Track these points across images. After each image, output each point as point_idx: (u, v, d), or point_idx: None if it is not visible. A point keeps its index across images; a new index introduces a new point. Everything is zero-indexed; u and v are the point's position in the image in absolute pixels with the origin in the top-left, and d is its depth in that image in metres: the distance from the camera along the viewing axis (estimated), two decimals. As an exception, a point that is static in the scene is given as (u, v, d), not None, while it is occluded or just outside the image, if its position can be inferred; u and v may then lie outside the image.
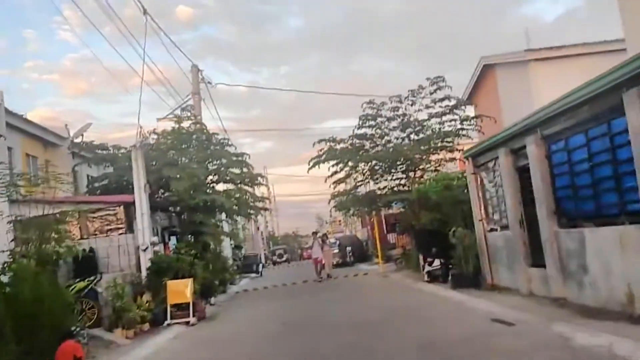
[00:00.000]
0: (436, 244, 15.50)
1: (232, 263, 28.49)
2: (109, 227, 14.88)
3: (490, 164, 12.34)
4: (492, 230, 12.69)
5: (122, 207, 14.97)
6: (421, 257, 16.23)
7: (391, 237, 29.30)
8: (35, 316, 8.38)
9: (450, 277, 13.72)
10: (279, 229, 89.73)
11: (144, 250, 14.40)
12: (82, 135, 19.41)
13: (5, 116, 15.33)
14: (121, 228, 14.91)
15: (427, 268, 15.66)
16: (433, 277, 15.50)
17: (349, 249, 31.22)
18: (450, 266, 14.15)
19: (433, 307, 11.59)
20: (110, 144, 18.63)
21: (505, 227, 11.94)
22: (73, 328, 9.26)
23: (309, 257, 22.29)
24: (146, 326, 13.18)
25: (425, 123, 19.10)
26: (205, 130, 20.18)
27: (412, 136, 19.50)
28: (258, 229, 51.06)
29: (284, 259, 55.33)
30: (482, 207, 12.98)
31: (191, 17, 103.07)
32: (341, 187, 21.97)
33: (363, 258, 32.08)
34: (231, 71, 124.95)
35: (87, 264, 14.05)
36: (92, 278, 12.08)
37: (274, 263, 52.94)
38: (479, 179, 13.07)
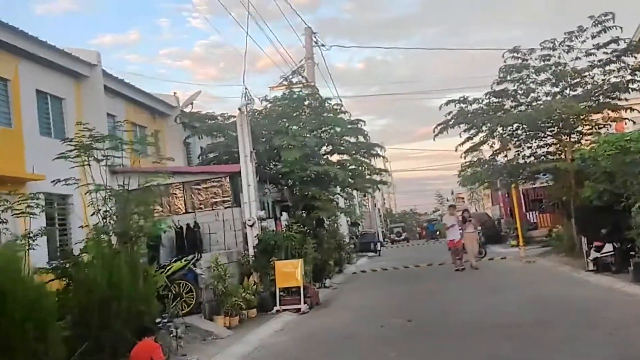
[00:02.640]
0: (607, 223, 12.12)
1: (348, 241, 26.61)
2: (214, 200, 13.46)
3: None
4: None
5: (227, 178, 13.44)
6: (584, 241, 12.88)
7: (531, 216, 25.46)
8: (108, 304, 6.86)
9: (631, 267, 10.39)
10: (396, 207, 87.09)
11: (251, 225, 12.77)
12: (192, 104, 18.37)
13: (106, 80, 14.50)
14: (227, 201, 13.42)
15: (594, 254, 12.33)
16: (602, 266, 12.17)
17: (479, 228, 27.73)
18: (631, 253, 10.79)
19: (612, 306, 8.57)
20: (218, 114, 17.34)
21: None
22: (158, 320, 7.68)
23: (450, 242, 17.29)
24: (253, 312, 11.58)
25: (585, 74, 15.28)
26: (317, 96, 18.16)
27: (566, 91, 15.80)
28: (375, 205, 48.88)
29: (402, 237, 53.10)
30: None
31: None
32: (473, 156, 18.84)
33: (495, 239, 28.44)
34: (349, 49, 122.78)
35: (191, 241, 12.79)
36: (189, 257, 10.58)
37: (392, 242, 50.81)
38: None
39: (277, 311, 11.85)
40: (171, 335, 7.94)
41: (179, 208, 13.51)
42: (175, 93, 18.28)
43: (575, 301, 9.45)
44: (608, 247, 11.91)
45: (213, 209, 13.35)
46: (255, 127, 17.35)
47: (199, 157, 18.57)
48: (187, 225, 12.95)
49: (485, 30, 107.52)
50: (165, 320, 7.93)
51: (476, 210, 49.07)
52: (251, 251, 12.71)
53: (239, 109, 12.98)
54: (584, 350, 6.29)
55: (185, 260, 10.52)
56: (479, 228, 28.32)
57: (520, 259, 18.52)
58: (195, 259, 10.65)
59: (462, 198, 68.80)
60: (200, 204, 13.49)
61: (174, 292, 9.81)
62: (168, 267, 10.21)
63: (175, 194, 13.53)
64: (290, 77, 17.40)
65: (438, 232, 50.42)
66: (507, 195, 28.09)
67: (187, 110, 18.17)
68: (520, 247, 20.24)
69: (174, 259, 10.78)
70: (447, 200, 78.73)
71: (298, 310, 11.83)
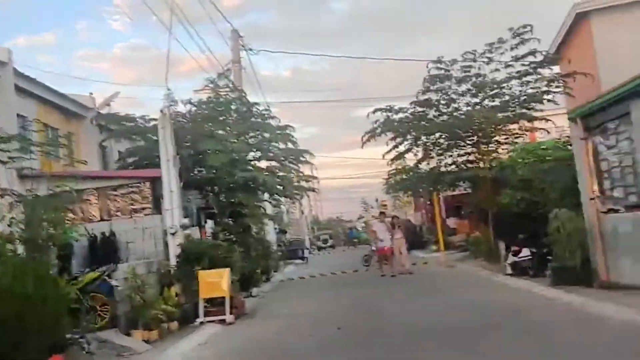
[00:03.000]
0: (524, 230, 12.65)
1: (276, 249, 26.29)
2: (133, 207, 12.73)
3: (613, 125, 9.39)
4: (610, 211, 9.76)
5: (148, 183, 12.76)
6: (502, 246, 13.37)
7: (450, 222, 26.32)
8: (18, 319, 6.18)
9: (549, 271, 10.86)
10: (323, 214, 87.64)
11: (173, 234, 12.16)
12: (109, 105, 17.37)
13: (17, 79, 13.41)
14: (147, 208, 12.73)
15: (512, 259, 12.83)
16: (519, 270, 12.67)
17: (401, 235, 28.42)
18: (547, 257, 11.27)
19: (539, 310, 8.84)
20: (138, 116, 16.47)
21: (634, 207, 9.02)
22: (69, 336, 7.04)
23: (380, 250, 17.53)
24: (174, 325, 10.98)
25: (503, 85, 15.96)
26: (245, 99, 17.76)
27: (486, 102, 16.43)
28: (302, 212, 48.87)
29: (329, 244, 53.47)
30: (596, 182, 10.04)
31: (238, 5, 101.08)
32: (398, 164, 19.19)
33: (418, 245, 29.20)
34: (275, 56, 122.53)
35: (106, 250, 12.00)
36: (104, 268, 9.87)
37: (319, 248, 51.01)
38: (590, 146, 10.12)
39: (201, 323, 11.33)
40: (84, 351, 7.32)
41: (94, 215, 12.66)
42: (91, 94, 17.25)
43: (502, 305, 9.64)
44: (525, 252, 12.42)
45: (131, 217, 12.62)
46: (179, 131, 16.61)
47: (116, 162, 17.62)
48: (103, 233, 12.14)
49: (410, 46, 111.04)
50: (78, 336, 7.29)
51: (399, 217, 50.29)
52: (173, 261, 12.10)
53: (161, 110, 12.38)
54: (524, 356, 6.22)
55: (99, 271, 9.78)
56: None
57: (441, 264, 19.06)
58: (110, 269, 9.94)
59: (386, 205, 70.41)
60: (117, 211, 12.71)
61: (87, 305, 9.08)
62: (80, 279, 9.45)
63: (90, 200, 12.67)
64: (216, 80, 16.86)
65: (356, 239, 51.29)
66: (428, 202, 28.98)
67: (104, 111, 17.17)
68: (441, 252, 20.88)
69: (87, 270, 10.00)
70: (372, 208, 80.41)
71: (223, 321, 11.37)
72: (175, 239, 12.21)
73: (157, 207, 12.73)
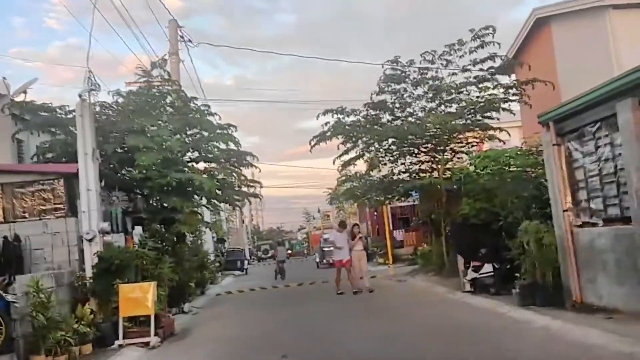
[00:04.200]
0: (485, 243, 11.70)
1: (214, 259, 24.48)
2: (43, 208, 10.79)
3: (590, 129, 8.54)
4: (584, 224, 8.90)
5: (61, 180, 10.86)
6: (460, 260, 12.38)
7: (398, 235, 25.46)
8: None
9: (516, 289, 9.88)
10: (263, 224, 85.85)
11: (90, 240, 10.34)
12: (25, 92, 15.20)
13: None
14: (60, 209, 10.82)
15: (472, 274, 11.84)
16: (480, 287, 11.70)
17: (348, 246, 27.24)
18: (513, 274, 10.32)
19: (512, 335, 7.75)
20: (57, 105, 14.36)
21: (614, 220, 8.17)
22: None
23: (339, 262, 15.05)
24: (87, 348, 9.25)
25: (461, 90, 15.11)
26: (181, 92, 16.06)
27: (441, 107, 15.55)
28: (243, 221, 47.04)
29: (269, 255, 52.08)
30: (569, 193, 9.18)
31: (181, 9, 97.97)
32: (347, 171, 17.99)
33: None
34: (218, 64, 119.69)
35: (7, 258, 10.03)
36: (-5, 280, 8.01)
37: (259, 259, 49.48)
38: (564, 152, 9.26)
39: (120, 346, 9.62)
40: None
41: (-9, 216, 10.65)
42: (5, 78, 14.97)
43: (469, 329, 8.52)
44: (487, 268, 11.47)
45: (41, 219, 10.67)
46: (104, 124, 14.77)
47: (32, 158, 15.42)
48: (4, 238, 10.15)
49: (356, 55, 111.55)
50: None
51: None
52: (89, 272, 10.28)
53: (80, 95, 10.53)
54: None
55: (-12, 285, 7.91)
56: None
57: (390, 278, 18.00)
58: (4, 281, 8.07)
59: (328, 215, 69.54)
60: (24, 212, 10.72)
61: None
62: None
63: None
64: (150, 70, 15.07)
65: (290, 250, 50.14)
66: (375, 212, 28.09)
67: (20, 99, 14.96)
68: (389, 265, 19.89)
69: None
70: (314, 218, 79.34)
71: (147, 344, 9.70)
72: (93, 246, 10.39)
73: (73, 209, 10.85)
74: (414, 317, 10.12)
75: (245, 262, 31.20)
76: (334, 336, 8.96)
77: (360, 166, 18.00)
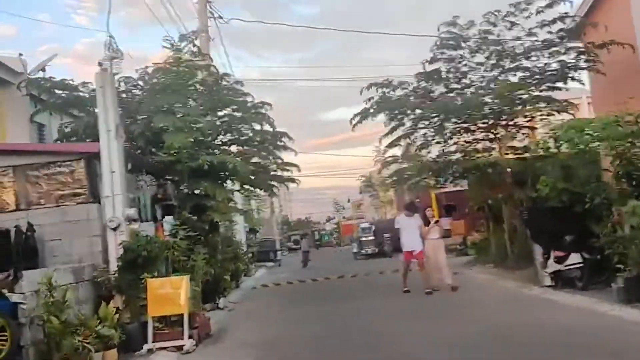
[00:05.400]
0: (569, 229, 9.99)
1: (246, 250, 23.21)
2: (61, 193, 9.51)
3: None
4: None
5: (82, 161, 9.56)
6: (538, 250, 10.68)
7: (444, 223, 23.62)
8: None
9: (619, 283, 8.18)
10: (292, 215, 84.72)
11: (114, 228, 9.02)
12: (44, 71, 14.00)
13: None
14: (80, 194, 9.53)
15: (553, 266, 10.14)
16: (563, 281, 10.02)
17: (387, 236, 25.66)
18: (603, 265, 8.63)
19: (630, 345, 6.09)
20: (79, 83, 13.06)
21: None
22: None
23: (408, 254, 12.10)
24: (112, 354, 7.93)
25: (529, 55, 13.21)
26: (213, 68, 14.65)
27: (502, 77, 13.69)
28: (273, 212, 45.83)
29: (299, 246, 51.16)
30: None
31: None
32: (392, 155, 16.34)
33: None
34: (243, 56, 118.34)
35: (21, 249, 8.78)
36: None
37: (290, 250, 48.47)
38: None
39: (149, 351, 8.31)
40: None
41: (7, 203, 9.41)
42: (21, 55, 13.79)
43: (565, 333, 6.89)
44: (573, 259, 9.75)
45: (58, 206, 9.40)
46: (130, 104, 13.51)
47: (55, 142, 14.22)
48: (16, 227, 8.90)
49: (372, 50, 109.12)
50: None
51: (374, 218, 47.62)
52: (113, 265, 8.97)
53: (100, 63, 9.16)
54: None
55: (-9, 283, 6.63)
56: (387, 235, 26.30)
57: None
58: (9, 278, 6.79)
59: (359, 206, 67.97)
60: (40, 198, 9.46)
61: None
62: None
63: (2, 182, 9.42)
64: (179, 43, 13.69)
65: (318, 242, 48.91)
66: (417, 199, 26.35)
67: (37, 76, 13.72)
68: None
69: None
70: (344, 209, 77.79)
71: (180, 348, 8.36)
72: (117, 235, 9.07)
73: (95, 194, 9.55)
74: (490, 318, 8.49)
75: (278, 253, 29.94)
76: (396, 343, 7.41)
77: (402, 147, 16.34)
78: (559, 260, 9.90)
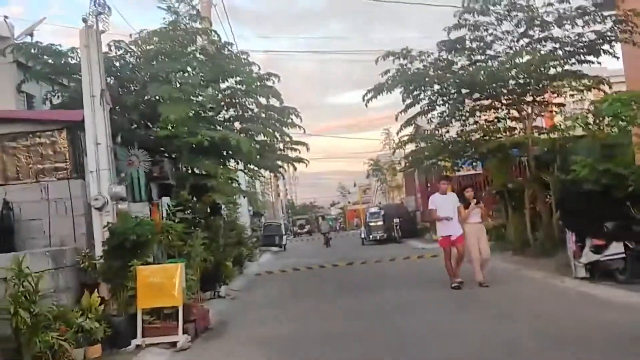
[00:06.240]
0: (611, 215, 8.88)
1: (250, 234, 22.24)
2: (41, 166, 8.46)
3: None
4: None
5: (64, 131, 8.48)
6: (571, 238, 9.56)
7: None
8: None
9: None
10: (297, 199, 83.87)
11: (99, 208, 7.97)
12: (31, 35, 12.86)
13: None
14: (62, 169, 8.48)
15: (590, 257, 9.04)
16: (602, 273, 8.93)
17: (396, 221, 24.64)
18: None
19: None
20: (68, 48, 11.89)
21: None
22: None
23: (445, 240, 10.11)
24: (95, 350, 6.97)
25: (564, 23, 11.96)
26: (214, 34, 13.45)
27: (530, 47, 12.42)
28: (279, 195, 44.85)
29: (305, 230, 50.52)
30: None
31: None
32: (407, 132, 15.14)
33: (412, 233, 25.59)
34: (248, 36, 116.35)
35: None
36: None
37: (295, 234, 47.80)
38: None
39: (138, 347, 7.33)
40: None
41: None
42: (6, 17, 12.64)
43: (629, 338, 5.80)
44: (616, 248, 8.65)
45: (38, 181, 8.35)
46: (123, 72, 12.37)
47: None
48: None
49: (387, 30, 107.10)
50: None
51: (382, 202, 46.53)
52: (99, 250, 7.94)
53: (84, 19, 8.01)
54: None
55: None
56: (396, 220, 25.22)
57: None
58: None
59: (365, 191, 66.86)
60: (17, 173, 8.41)
61: None
62: None
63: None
64: (176, 5, 12.45)
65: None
66: (428, 184, 25.27)
67: (25, 40, 12.56)
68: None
69: None
70: (349, 193, 76.71)
71: (173, 344, 7.37)
72: (103, 216, 8.02)
73: (79, 169, 8.49)
74: (535, 314, 7.39)
75: (284, 237, 29.02)
76: (435, 345, 6.34)
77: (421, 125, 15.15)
78: (597, 250, 8.80)
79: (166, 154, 12.23)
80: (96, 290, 7.62)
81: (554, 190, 12.20)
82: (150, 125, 12.00)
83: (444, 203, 10.18)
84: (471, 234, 10.00)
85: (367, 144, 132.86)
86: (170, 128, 11.33)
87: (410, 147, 15.27)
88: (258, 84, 13.78)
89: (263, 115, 14.06)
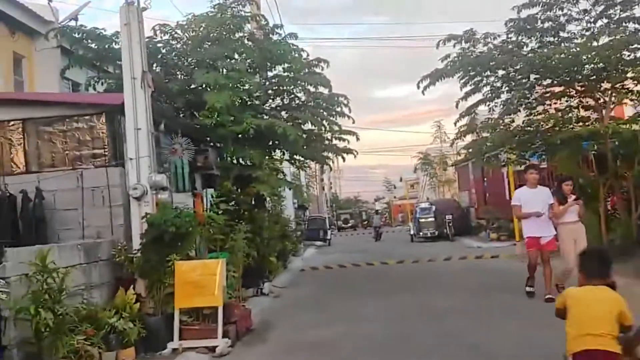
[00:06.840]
0: None
1: (295, 228, 21.57)
2: (77, 153, 7.96)
3: None
4: None
5: (103, 116, 7.94)
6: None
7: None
8: None
9: None
10: (341, 192, 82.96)
11: (137, 198, 7.38)
12: (76, 20, 12.51)
13: None
14: (101, 156, 7.95)
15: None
16: None
17: (448, 217, 23.39)
18: None
19: None
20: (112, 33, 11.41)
21: None
22: None
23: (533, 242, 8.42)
24: (128, 353, 6.39)
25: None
26: (262, 19, 12.74)
27: (611, 27, 11.11)
28: (323, 188, 44.13)
29: (349, 224, 49.69)
30: None
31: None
32: (465, 125, 13.98)
33: (466, 230, 24.30)
34: (293, 29, 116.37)
35: (26, 219, 7.30)
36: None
37: (339, 229, 47.03)
38: None
39: (174, 351, 6.73)
40: None
41: (15, 164, 7.94)
42: (50, 1, 12.31)
43: None
44: None
45: (74, 168, 7.84)
46: (168, 58, 11.85)
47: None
48: (23, 193, 7.41)
49: (430, 23, 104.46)
50: None
51: (428, 198, 45.06)
52: (136, 242, 7.35)
53: (125, -2, 7.42)
54: None
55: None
56: (449, 217, 23.93)
57: (523, 260, 14.03)
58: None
59: (413, 185, 65.28)
60: (52, 159, 7.94)
61: None
62: None
63: (10, 139, 7.94)
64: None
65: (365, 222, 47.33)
66: (484, 178, 23.91)
67: (69, 24, 12.19)
68: (517, 243, 15.92)
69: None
70: (395, 188, 75.19)
71: (212, 349, 6.71)
72: (142, 206, 7.43)
73: (118, 155, 7.94)
74: None
75: (328, 231, 28.25)
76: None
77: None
78: None
79: (211, 143, 11.67)
80: (132, 287, 7.05)
81: (634, 186, 10.89)
82: (196, 114, 11.42)
83: (532, 198, 8.42)
84: (568, 236, 8.23)
85: (412, 138, 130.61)
86: (216, 116, 10.71)
87: (469, 138, 14.12)
88: (306, 70, 13.04)
89: (311, 103, 13.29)
